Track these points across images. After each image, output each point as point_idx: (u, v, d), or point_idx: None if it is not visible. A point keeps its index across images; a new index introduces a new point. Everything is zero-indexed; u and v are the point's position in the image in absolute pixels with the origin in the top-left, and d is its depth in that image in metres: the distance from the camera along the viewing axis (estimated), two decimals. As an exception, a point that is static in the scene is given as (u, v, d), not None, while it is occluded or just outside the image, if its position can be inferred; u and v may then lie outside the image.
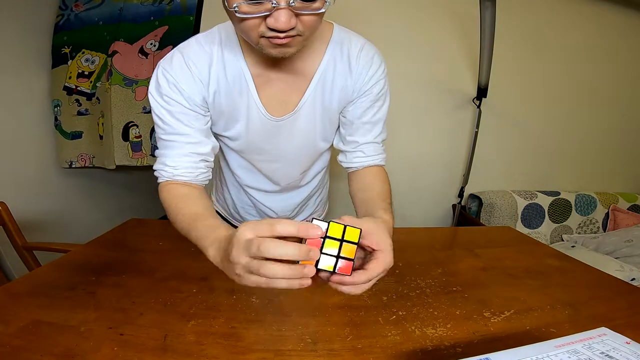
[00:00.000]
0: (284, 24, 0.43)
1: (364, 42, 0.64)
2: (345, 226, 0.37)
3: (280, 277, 0.34)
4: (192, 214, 0.53)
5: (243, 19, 0.44)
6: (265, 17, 0.43)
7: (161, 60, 0.59)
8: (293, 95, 0.63)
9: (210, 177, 0.65)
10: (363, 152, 0.69)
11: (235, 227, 0.93)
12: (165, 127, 0.59)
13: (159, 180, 0.61)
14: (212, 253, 0.43)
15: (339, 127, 0.72)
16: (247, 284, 0.37)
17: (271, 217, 0.85)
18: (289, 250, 0.34)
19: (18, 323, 0.47)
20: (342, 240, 0.37)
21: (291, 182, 0.79)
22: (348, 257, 0.37)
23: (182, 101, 0.58)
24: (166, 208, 0.58)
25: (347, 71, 0.63)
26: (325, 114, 0.67)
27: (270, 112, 0.64)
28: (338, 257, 0.37)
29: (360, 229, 0.38)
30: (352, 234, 0.37)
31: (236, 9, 0.43)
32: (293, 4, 0.42)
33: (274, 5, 0.41)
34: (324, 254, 0.36)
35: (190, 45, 0.59)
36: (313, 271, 0.35)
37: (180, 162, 0.59)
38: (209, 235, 0.46)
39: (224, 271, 0.41)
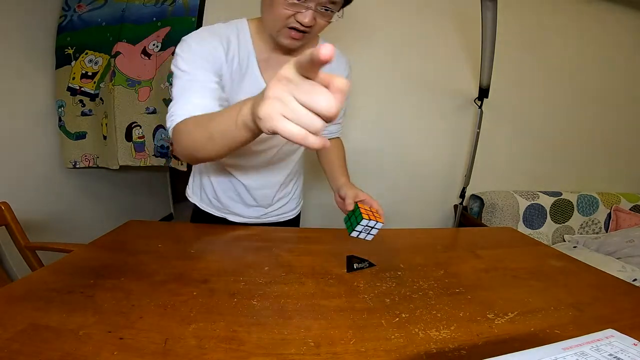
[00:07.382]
0: (309, 21, 0.64)
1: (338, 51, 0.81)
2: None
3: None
4: (209, 114, 0.57)
5: (282, 8, 0.63)
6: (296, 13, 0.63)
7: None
8: None
9: None
10: (327, 130, 0.94)
11: (216, 217, 1.00)
12: (187, 67, 0.64)
13: (174, 124, 0.61)
14: (248, 111, 0.44)
15: None
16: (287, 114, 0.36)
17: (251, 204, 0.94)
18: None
19: (15, 327, 0.46)
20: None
21: (277, 155, 0.88)
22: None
23: (207, 55, 0.67)
24: (185, 136, 0.59)
25: (328, 68, 0.68)
26: None
27: None
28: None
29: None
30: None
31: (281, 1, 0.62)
32: (321, 9, 0.64)
33: (307, 7, 0.63)
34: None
35: (213, 26, 0.72)
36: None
37: (199, 103, 0.62)
38: (235, 109, 0.47)
39: (263, 107, 0.37)
